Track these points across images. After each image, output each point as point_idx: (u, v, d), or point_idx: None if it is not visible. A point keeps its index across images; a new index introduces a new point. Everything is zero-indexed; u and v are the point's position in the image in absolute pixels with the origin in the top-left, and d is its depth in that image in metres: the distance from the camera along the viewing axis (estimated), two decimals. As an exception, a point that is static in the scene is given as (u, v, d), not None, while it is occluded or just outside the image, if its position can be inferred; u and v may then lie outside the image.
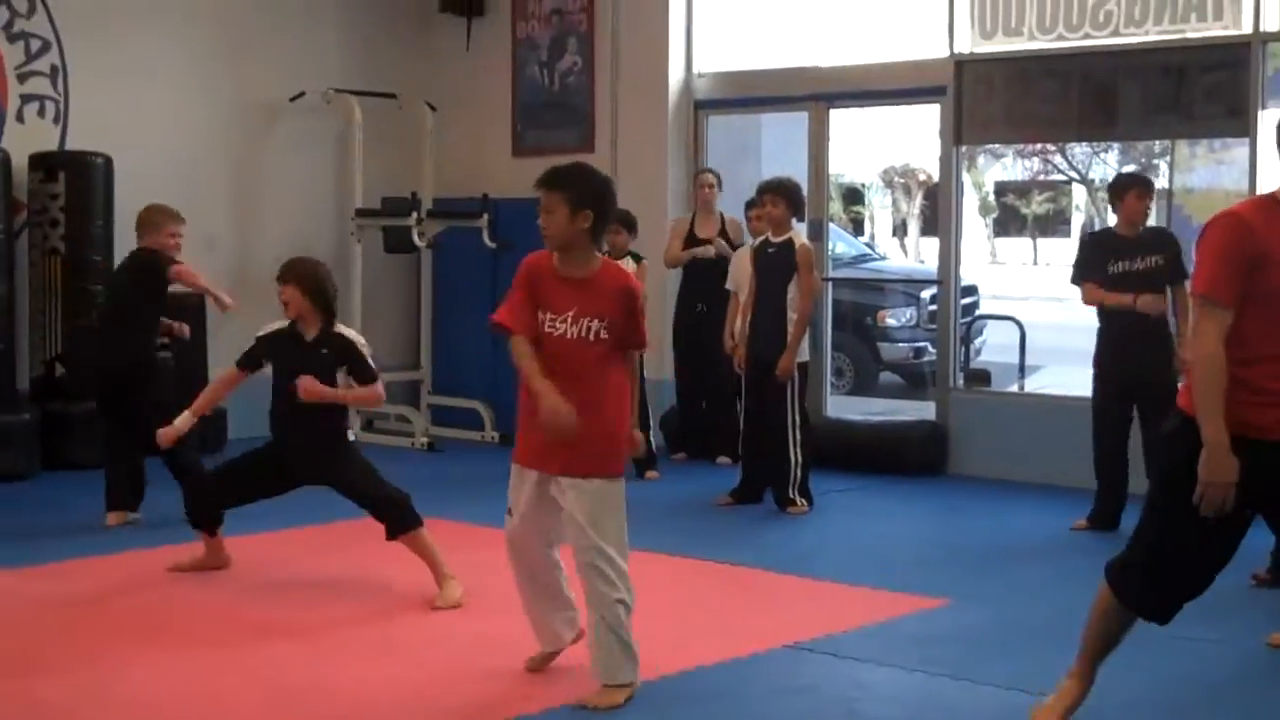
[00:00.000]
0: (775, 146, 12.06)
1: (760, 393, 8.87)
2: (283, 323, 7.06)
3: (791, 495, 8.77)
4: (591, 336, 5.16)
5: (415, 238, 11.48)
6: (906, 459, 10.19)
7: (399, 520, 6.82)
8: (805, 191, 9.42)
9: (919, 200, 37.28)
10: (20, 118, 10.57)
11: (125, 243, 10.44)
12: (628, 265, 9.88)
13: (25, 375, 10.26)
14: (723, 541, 8.01)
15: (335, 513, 7.51)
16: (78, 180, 10.27)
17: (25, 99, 10.59)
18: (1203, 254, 4.46)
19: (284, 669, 5.69)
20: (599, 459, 5.17)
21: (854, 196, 36.09)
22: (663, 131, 11.55)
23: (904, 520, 8.88)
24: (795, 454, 8.73)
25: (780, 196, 8.83)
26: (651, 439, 10.08)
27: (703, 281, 10.51)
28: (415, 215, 11.46)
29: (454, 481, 9.81)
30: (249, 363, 7.18)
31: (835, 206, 12.92)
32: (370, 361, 7.02)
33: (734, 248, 10.34)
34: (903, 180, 37.69)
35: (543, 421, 5.05)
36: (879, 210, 39.69)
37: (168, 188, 10.99)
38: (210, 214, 11.46)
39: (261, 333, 7.20)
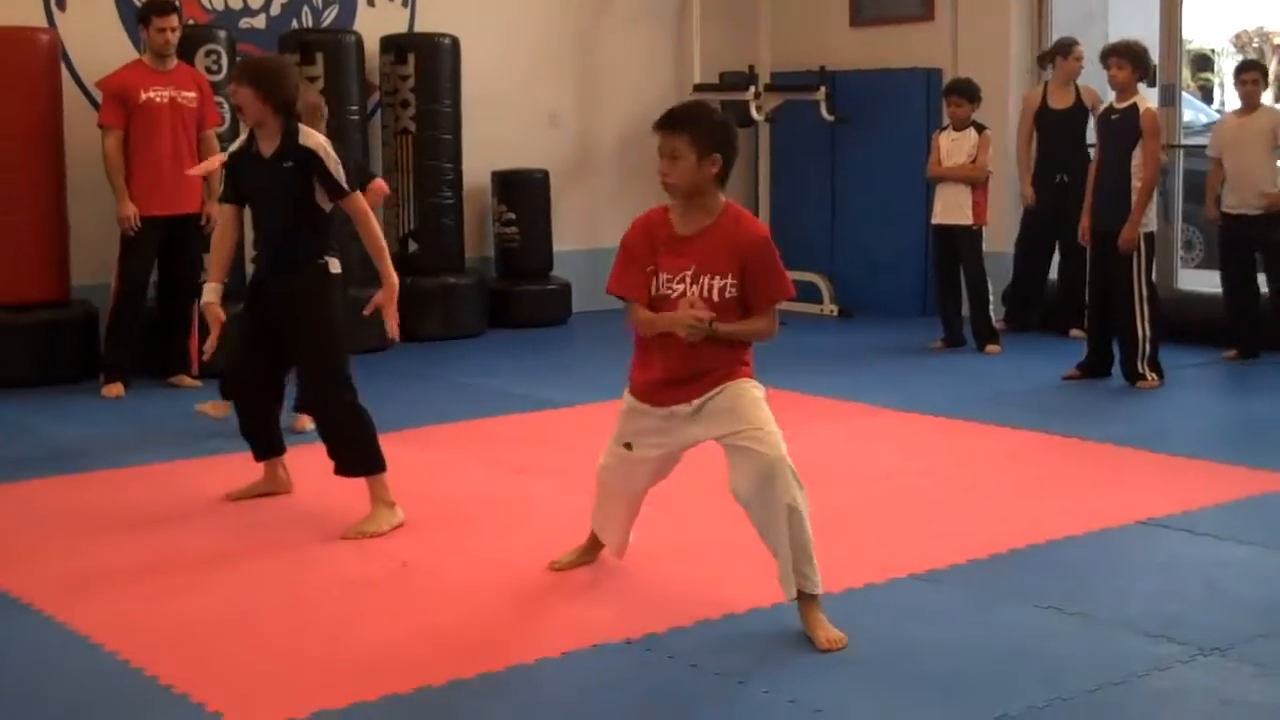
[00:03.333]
0: (1123, 11, 11.60)
1: (1105, 265, 8.61)
2: (242, 138, 6.08)
3: (1141, 369, 8.53)
4: (715, 295, 4.66)
5: (753, 112, 11.45)
6: (1263, 333, 9.77)
7: (347, 458, 5.97)
8: (1155, 57, 9.06)
9: (1275, 65, 35.49)
10: (371, 1, 10.86)
11: (472, 122, 10.75)
12: (969, 136, 9.77)
13: (380, 251, 10.63)
14: (1069, 416, 7.85)
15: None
16: (427, 61, 10.53)
17: (376, -18, 10.88)
18: None
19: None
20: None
21: (1203, 63, 34.57)
22: (1006, -4, 11.22)
23: (1261, 395, 8.54)
24: (1143, 327, 8.47)
25: (1125, 59, 8.50)
26: (991, 313, 9.92)
27: (1065, 150, 10.21)
28: (753, 89, 11.43)
29: (794, 354, 9.82)
30: (226, 195, 6.19)
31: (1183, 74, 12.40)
32: (340, 172, 5.84)
33: (1088, 113, 10.11)
34: (1257, 44, 35.91)
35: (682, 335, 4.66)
36: (1229, 77, 37.91)
37: (511, 67, 11.28)
38: (552, 92, 11.65)
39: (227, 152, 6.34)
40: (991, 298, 9.96)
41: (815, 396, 8.34)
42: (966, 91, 9.89)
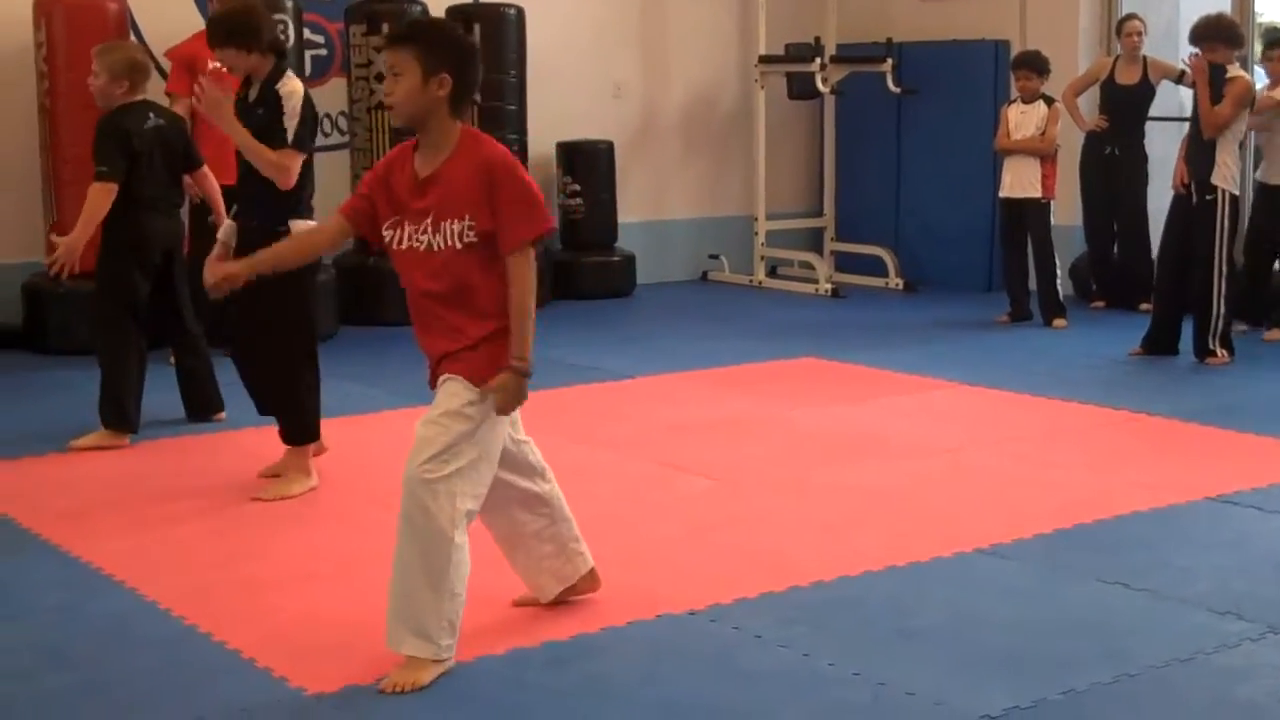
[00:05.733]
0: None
1: (1181, 234, 8.51)
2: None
3: (1211, 345, 8.43)
4: (457, 243, 4.05)
5: (819, 84, 11.39)
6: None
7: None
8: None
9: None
10: (436, -29, 10.87)
11: (537, 93, 10.74)
12: (1038, 109, 9.67)
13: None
14: (1138, 391, 7.78)
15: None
16: (492, 31, 10.48)
17: (441, -47, 10.87)
18: None
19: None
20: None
21: (1276, 38, 34.12)
22: (1076, -32, 11.10)
23: (1333, 373, 8.45)
24: (1219, 303, 8.37)
25: (1219, 42, 8.40)
26: (1059, 287, 9.83)
27: (1122, 125, 10.18)
28: (819, 61, 11.36)
29: (858, 327, 9.81)
30: None
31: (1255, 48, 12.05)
32: (293, 125, 5.69)
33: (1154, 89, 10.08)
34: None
35: None
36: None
37: (576, 37, 11.27)
38: (617, 62, 11.63)
39: None
40: (1059, 271, 9.88)
41: (880, 370, 8.31)
42: (1035, 64, 9.80)
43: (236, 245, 5.79)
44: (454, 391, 4.07)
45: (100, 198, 6.44)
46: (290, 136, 5.69)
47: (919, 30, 11.67)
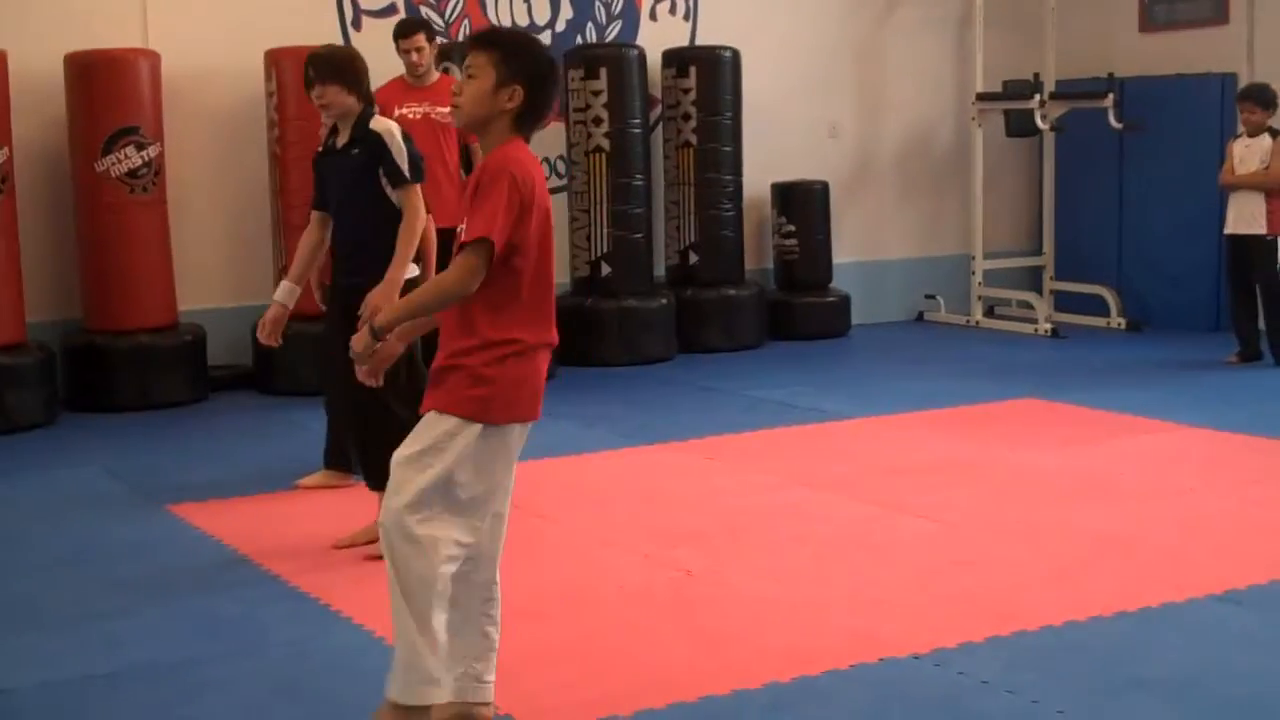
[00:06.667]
0: None
1: None
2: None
3: None
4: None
5: (1038, 120, 11.23)
6: None
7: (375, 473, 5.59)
8: None
9: None
10: (653, 16, 10.95)
11: (752, 134, 10.77)
12: (1263, 143, 9.41)
13: (662, 263, 10.72)
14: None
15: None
16: (708, 74, 10.58)
17: (658, -2, 10.98)
18: None
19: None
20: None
21: None
22: (1307, -1, 10.81)
23: None
24: None
25: None
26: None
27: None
28: (1037, 98, 11.21)
29: (1080, 368, 9.62)
30: (315, 200, 5.93)
31: None
32: (403, 160, 5.58)
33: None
34: None
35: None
36: None
37: (791, 79, 11.28)
38: (833, 102, 11.61)
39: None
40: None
41: (1104, 411, 8.13)
42: (1261, 97, 9.55)
43: (343, 304, 5.63)
44: (430, 422, 3.84)
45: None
46: (408, 173, 5.62)
47: (1141, 64, 11.45)
